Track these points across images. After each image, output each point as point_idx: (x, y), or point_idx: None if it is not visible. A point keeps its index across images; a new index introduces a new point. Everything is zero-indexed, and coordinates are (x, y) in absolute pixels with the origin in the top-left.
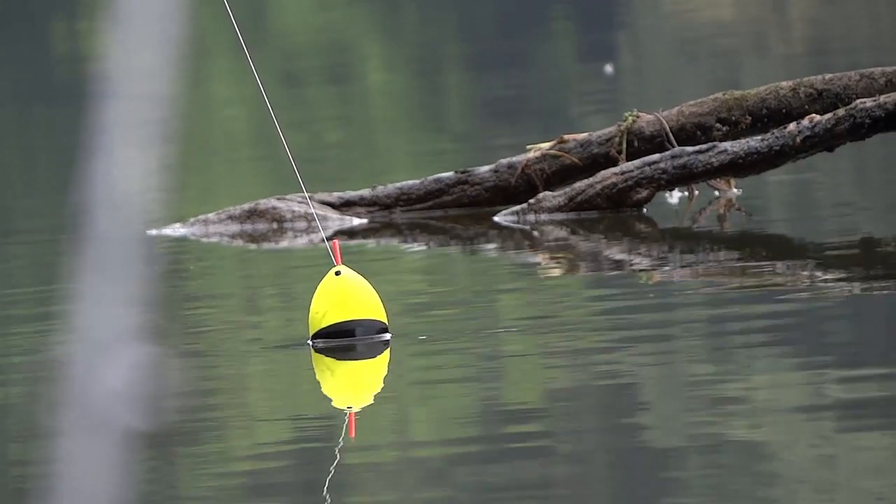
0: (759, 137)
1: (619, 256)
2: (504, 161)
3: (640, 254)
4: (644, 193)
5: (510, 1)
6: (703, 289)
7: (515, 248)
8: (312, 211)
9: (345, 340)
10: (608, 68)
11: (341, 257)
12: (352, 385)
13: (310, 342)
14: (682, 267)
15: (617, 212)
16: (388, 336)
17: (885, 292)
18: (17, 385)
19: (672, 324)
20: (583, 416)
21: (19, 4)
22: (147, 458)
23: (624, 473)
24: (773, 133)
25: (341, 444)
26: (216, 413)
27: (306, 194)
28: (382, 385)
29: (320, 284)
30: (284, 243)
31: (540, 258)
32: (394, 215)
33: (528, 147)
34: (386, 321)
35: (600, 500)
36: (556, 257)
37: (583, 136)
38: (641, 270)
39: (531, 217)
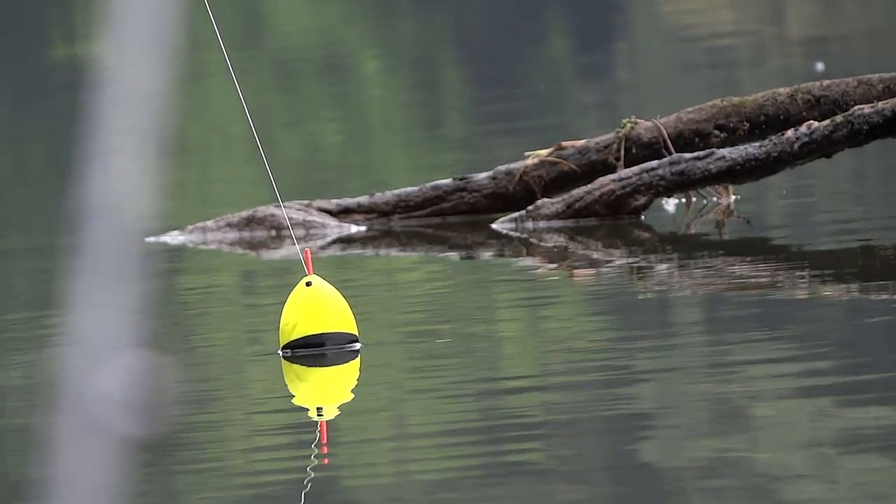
0: (757, 144)
1: (617, 264)
2: (502, 168)
3: (638, 261)
4: (642, 200)
5: (506, 15)
6: (702, 297)
7: (513, 255)
8: (311, 218)
9: (315, 350)
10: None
11: (312, 267)
12: (340, 394)
13: (280, 352)
14: (681, 275)
15: (615, 219)
16: (357, 346)
17: (884, 299)
18: (14, 391)
19: (671, 334)
20: (581, 432)
21: (14, 7)
22: (143, 465)
23: (624, 493)
24: (770, 139)
25: (328, 450)
26: (213, 419)
27: (280, 203)
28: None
29: (291, 295)
30: (283, 251)
31: (538, 266)
32: (392, 223)
33: (526, 154)
34: (356, 333)
35: None
36: (554, 265)
37: (581, 143)
38: (640, 278)
39: (529, 224)
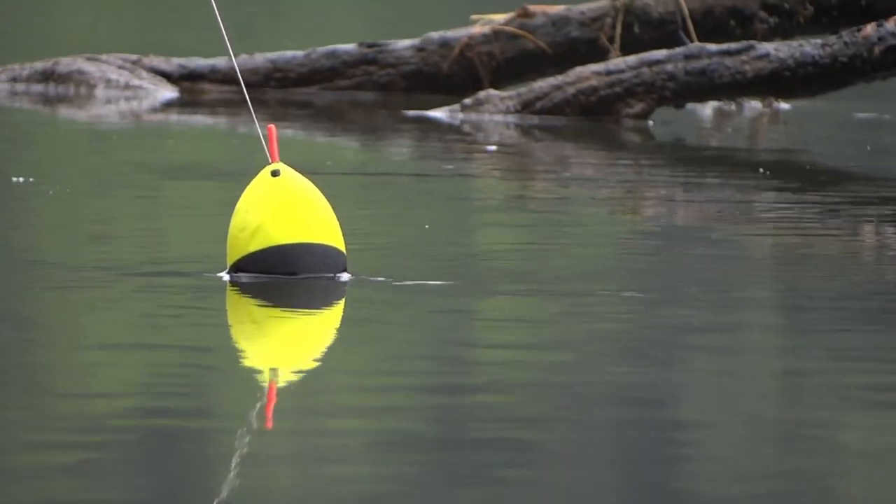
0: (820, 41)
1: (592, 182)
2: (434, 36)
3: (626, 182)
4: (637, 108)
5: None
6: (712, 236)
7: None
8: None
9: (280, 277)
10: None
11: (278, 151)
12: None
13: (225, 275)
14: (687, 205)
15: (597, 120)
16: (346, 276)
17: None
18: None
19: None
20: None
21: None
22: None
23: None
24: (840, 35)
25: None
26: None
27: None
28: (328, 339)
29: (249, 188)
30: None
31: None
32: (267, 96)
33: (474, 18)
34: (344, 251)
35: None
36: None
37: (558, 9)
38: (628, 208)
39: (461, 117)
